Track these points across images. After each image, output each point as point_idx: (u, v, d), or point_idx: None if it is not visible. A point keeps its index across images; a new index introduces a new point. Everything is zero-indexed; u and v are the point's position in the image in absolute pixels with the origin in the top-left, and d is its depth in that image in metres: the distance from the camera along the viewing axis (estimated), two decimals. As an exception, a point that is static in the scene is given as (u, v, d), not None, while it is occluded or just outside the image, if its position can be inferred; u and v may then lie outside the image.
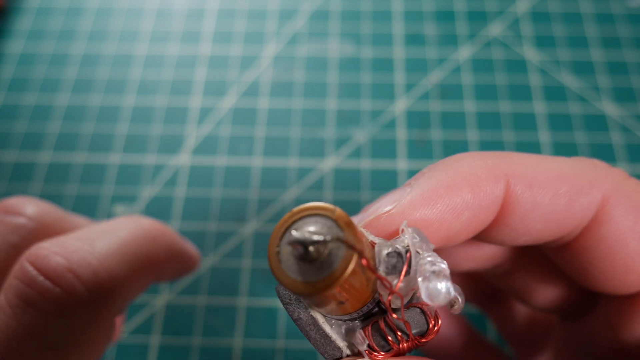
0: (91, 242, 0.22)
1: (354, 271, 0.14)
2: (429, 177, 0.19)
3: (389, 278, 0.16)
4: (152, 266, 0.24)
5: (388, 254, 0.16)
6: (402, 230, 0.17)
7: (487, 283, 0.29)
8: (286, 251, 0.15)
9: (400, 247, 0.16)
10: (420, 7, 0.50)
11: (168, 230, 0.26)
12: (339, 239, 0.15)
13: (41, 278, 0.20)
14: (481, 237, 0.21)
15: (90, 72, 0.48)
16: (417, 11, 0.50)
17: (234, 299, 0.38)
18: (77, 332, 0.20)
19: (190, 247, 0.29)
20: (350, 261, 0.14)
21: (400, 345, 0.17)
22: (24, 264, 0.20)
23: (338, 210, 0.15)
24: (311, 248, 0.14)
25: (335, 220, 0.15)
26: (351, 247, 0.14)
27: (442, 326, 0.29)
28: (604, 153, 0.42)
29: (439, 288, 0.15)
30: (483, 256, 0.24)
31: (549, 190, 0.19)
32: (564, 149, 0.42)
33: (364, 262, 0.15)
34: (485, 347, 0.30)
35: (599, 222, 0.19)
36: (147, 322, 0.38)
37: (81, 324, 0.20)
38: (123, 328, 0.37)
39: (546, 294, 0.24)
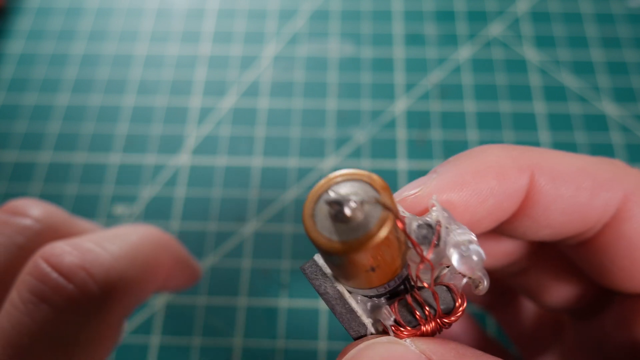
0: (103, 244, 0.22)
1: (389, 233, 0.15)
2: (455, 164, 0.19)
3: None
4: (159, 272, 0.25)
5: (419, 226, 0.16)
6: (431, 206, 0.17)
7: (496, 283, 0.29)
8: (322, 212, 0.15)
9: (430, 219, 0.16)
10: (420, 7, 0.50)
11: (174, 241, 0.27)
12: (376, 200, 0.15)
13: (55, 275, 0.20)
14: (503, 228, 0.21)
15: (90, 72, 0.48)
16: (417, 11, 0.50)
17: (234, 299, 0.38)
18: (88, 329, 0.20)
19: (193, 260, 0.29)
20: (385, 221, 0.15)
21: (427, 325, 0.17)
22: (37, 261, 0.21)
23: (374, 175, 0.16)
24: (348, 207, 0.15)
25: (371, 185, 0.15)
26: (387, 208, 0.15)
27: (453, 325, 0.30)
28: (604, 153, 0.42)
29: (472, 254, 0.16)
30: (501, 252, 0.25)
31: (572, 184, 0.19)
32: (564, 149, 0.42)
33: (399, 224, 0.15)
34: (493, 347, 0.30)
35: (619, 219, 0.20)
36: (147, 322, 0.38)
37: (91, 322, 0.21)
38: (125, 327, 0.37)
39: (560, 292, 0.24)
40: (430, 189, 0.18)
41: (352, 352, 0.16)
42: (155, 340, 0.37)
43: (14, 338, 0.19)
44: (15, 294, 0.20)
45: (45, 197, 0.42)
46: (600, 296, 0.24)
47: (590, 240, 0.21)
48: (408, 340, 0.16)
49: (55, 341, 0.20)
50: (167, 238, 0.26)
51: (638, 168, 0.21)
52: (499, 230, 0.21)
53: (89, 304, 0.20)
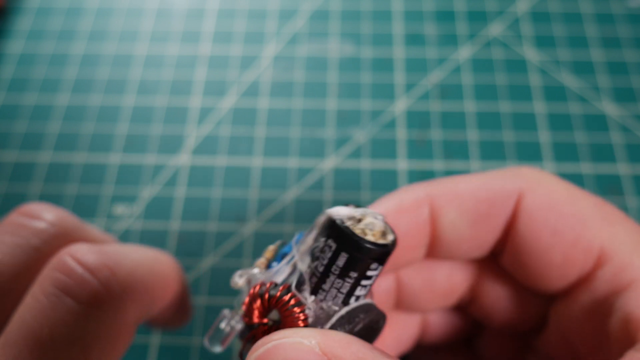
0: (124, 251, 0.23)
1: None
2: None
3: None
4: (169, 290, 0.25)
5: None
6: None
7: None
8: None
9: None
10: (420, 7, 0.50)
11: (180, 270, 0.28)
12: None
13: (80, 269, 0.21)
14: (434, 255, 0.24)
15: (90, 72, 0.48)
16: (417, 11, 0.50)
17: (234, 299, 0.38)
18: (107, 327, 0.21)
19: (190, 298, 0.30)
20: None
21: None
22: (63, 256, 0.21)
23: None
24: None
25: None
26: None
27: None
28: (604, 153, 0.42)
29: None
30: (439, 292, 0.26)
31: (470, 201, 0.22)
32: (564, 149, 0.42)
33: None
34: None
35: (515, 221, 0.22)
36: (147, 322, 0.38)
37: (111, 319, 0.21)
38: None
39: (510, 312, 0.26)
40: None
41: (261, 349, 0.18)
42: (155, 340, 0.37)
43: (36, 329, 0.19)
44: (38, 288, 0.20)
45: (45, 197, 0.42)
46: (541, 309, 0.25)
47: (505, 249, 0.23)
48: (313, 340, 0.17)
49: (75, 334, 0.20)
50: (176, 264, 0.27)
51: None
52: (432, 256, 0.24)
53: (111, 302, 0.21)
